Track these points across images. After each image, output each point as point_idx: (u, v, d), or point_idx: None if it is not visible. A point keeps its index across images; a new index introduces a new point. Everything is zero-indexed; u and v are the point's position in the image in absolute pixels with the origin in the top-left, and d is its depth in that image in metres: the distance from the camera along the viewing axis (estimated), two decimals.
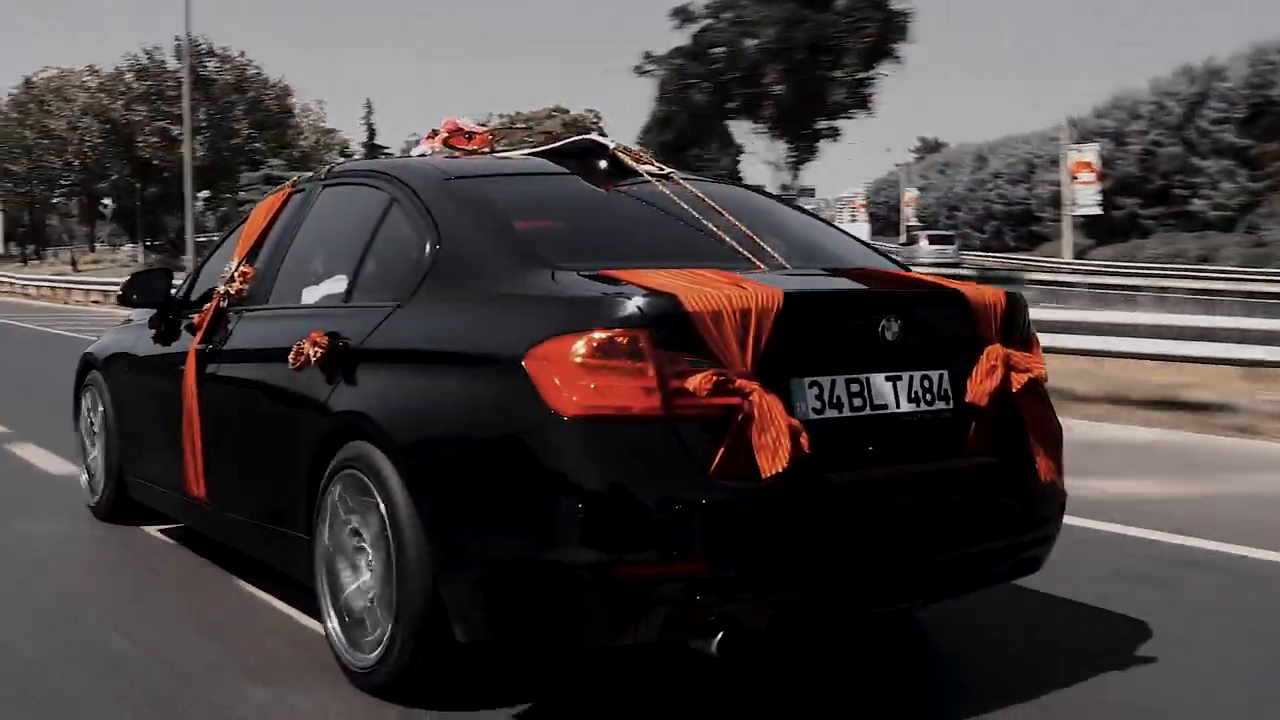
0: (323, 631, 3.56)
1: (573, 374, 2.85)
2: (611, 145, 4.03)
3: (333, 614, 3.51)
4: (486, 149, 4.55)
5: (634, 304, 2.89)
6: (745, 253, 3.46)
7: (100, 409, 5.54)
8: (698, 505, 2.83)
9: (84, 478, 5.79)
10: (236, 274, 4.44)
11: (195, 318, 4.53)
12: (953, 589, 3.47)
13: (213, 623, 4.05)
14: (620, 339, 2.85)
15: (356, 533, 3.40)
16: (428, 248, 3.50)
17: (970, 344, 3.33)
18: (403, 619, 3.17)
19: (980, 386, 3.27)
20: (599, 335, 2.86)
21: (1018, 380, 3.32)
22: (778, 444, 2.81)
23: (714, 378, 2.83)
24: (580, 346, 2.85)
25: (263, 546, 4.11)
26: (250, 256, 4.47)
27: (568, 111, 55.81)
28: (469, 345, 3.20)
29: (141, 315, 5.56)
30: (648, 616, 2.85)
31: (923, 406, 3.23)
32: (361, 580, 3.39)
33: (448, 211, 3.57)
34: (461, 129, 4.69)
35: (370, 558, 3.33)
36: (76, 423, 5.92)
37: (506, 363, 2.96)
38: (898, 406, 3.17)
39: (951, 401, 3.28)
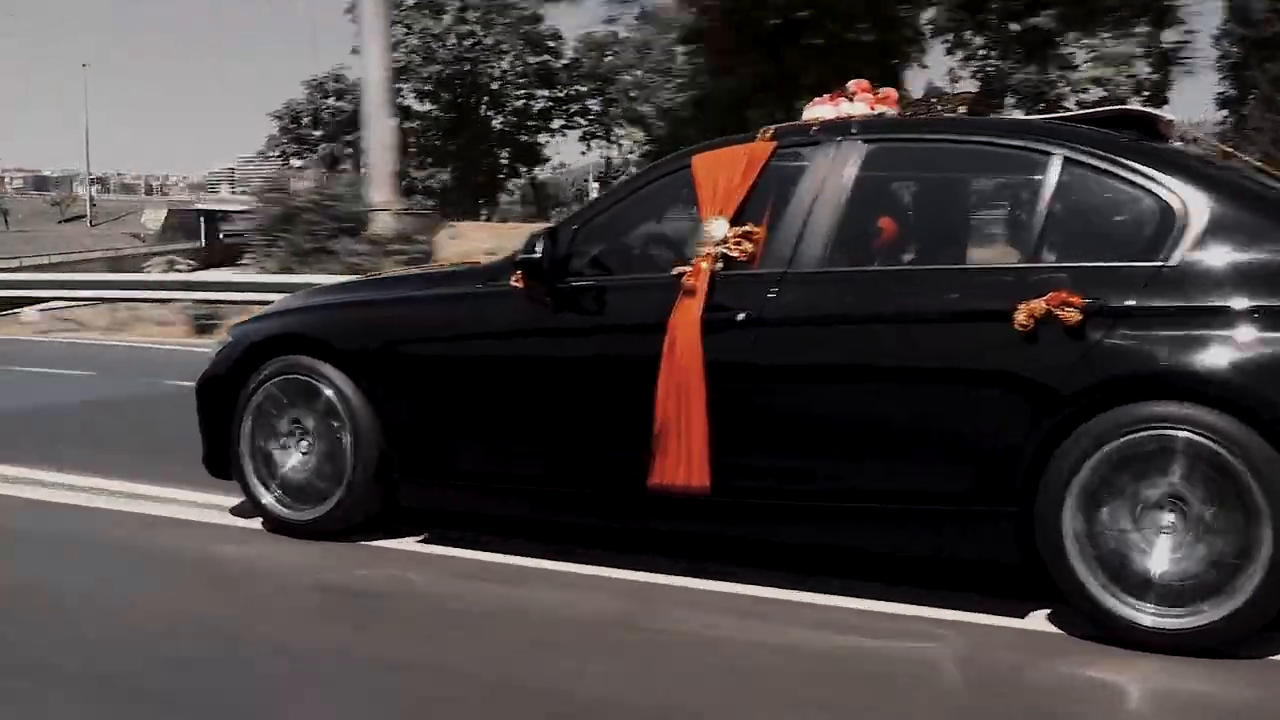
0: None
1: None
2: (1155, 114, 4.14)
3: (1105, 583, 3.37)
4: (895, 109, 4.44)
5: None
6: None
7: (324, 401, 4.45)
8: None
9: (267, 498, 4.59)
10: (733, 236, 3.94)
11: (688, 282, 3.91)
12: None
13: None
14: None
15: (1178, 498, 3.34)
16: (1181, 210, 3.53)
17: None
18: None
19: None
20: None
21: None
22: None
23: None
24: None
25: (886, 530, 3.78)
26: (739, 217, 3.98)
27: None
28: None
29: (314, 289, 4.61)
30: None
31: None
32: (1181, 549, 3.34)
33: (1177, 178, 3.61)
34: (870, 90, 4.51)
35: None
36: (216, 435, 4.70)
37: None
38: None
39: None
